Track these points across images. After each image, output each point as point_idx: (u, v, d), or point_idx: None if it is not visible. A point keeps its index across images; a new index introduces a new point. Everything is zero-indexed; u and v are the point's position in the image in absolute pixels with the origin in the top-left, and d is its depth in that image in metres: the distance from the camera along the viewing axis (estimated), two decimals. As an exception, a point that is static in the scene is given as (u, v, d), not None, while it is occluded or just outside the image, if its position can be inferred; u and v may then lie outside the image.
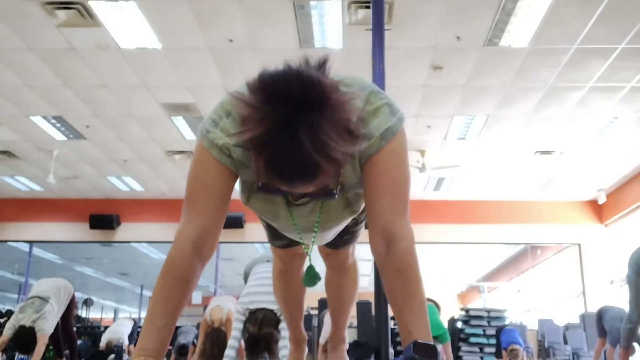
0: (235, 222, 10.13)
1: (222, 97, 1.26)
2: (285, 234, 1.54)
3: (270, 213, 1.38)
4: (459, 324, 8.86)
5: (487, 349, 8.40)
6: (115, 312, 22.19)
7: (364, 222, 1.73)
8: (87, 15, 5.29)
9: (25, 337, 4.89)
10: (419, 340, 1.05)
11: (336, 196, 1.21)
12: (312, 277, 1.43)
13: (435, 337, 6.33)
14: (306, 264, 1.50)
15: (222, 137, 1.18)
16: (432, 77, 6.38)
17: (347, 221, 1.47)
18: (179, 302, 1.13)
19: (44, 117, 7.58)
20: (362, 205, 1.39)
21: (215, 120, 1.21)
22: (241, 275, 4.92)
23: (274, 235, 1.73)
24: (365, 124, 1.17)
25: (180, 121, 7.64)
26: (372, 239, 1.19)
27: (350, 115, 1.01)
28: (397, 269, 1.14)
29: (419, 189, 10.10)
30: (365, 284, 10.37)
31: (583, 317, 9.58)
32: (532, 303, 13.95)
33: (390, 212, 1.17)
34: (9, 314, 8.81)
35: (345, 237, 1.76)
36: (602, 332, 6.67)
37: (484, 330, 8.56)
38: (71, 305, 5.49)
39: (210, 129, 1.20)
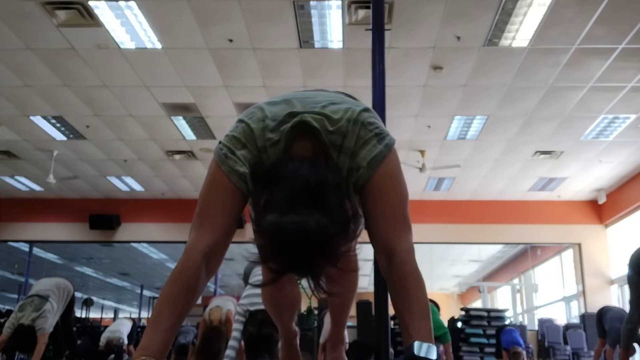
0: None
1: (233, 126, 1.33)
2: None
3: None
4: (459, 324, 8.86)
5: (487, 349, 8.40)
6: (115, 312, 22.21)
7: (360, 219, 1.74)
8: (87, 15, 5.29)
9: (24, 336, 4.88)
10: (419, 341, 1.06)
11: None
12: (310, 318, 1.51)
13: (437, 338, 6.34)
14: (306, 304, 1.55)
15: (241, 165, 1.26)
16: (432, 77, 6.38)
17: None
18: (184, 308, 1.18)
19: (44, 117, 7.58)
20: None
21: (231, 149, 1.28)
22: (241, 275, 4.92)
23: None
24: (355, 156, 1.26)
25: (180, 121, 7.65)
26: (377, 256, 1.28)
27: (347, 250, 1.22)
28: (397, 279, 1.21)
29: (419, 189, 10.10)
30: (365, 284, 10.35)
31: (583, 317, 9.59)
32: (532, 303, 13.95)
33: (388, 231, 1.24)
34: (8, 313, 8.81)
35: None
36: (602, 333, 6.67)
37: (484, 330, 8.56)
38: (71, 305, 5.49)
39: (229, 155, 1.27)
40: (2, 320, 8.15)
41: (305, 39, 5.70)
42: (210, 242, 1.23)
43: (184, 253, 1.22)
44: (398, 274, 1.21)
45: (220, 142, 1.31)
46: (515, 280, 14.98)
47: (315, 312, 8.54)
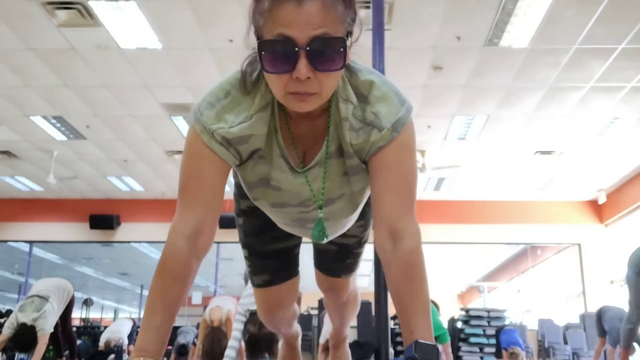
0: (235, 222, 10.12)
1: (221, 79, 1.22)
2: (285, 215, 1.39)
3: (275, 180, 1.28)
4: (459, 324, 8.86)
5: (487, 349, 8.40)
6: (115, 312, 22.21)
7: (365, 244, 1.70)
8: (87, 15, 5.29)
9: (25, 336, 4.89)
10: (420, 341, 1.05)
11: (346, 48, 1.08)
12: (321, 232, 1.33)
13: (435, 337, 6.33)
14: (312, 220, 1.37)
15: (216, 122, 1.15)
16: (432, 77, 6.38)
17: (351, 210, 1.37)
18: (175, 299, 1.10)
19: (44, 117, 7.58)
20: (364, 190, 1.31)
21: (211, 102, 1.17)
22: (241, 275, 4.93)
23: (257, 264, 1.66)
24: (375, 110, 1.16)
25: (180, 121, 7.64)
26: (378, 234, 1.16)
27: None
28: (403, 267, 1.11)
29: (419, 189, 10.07)
30: (365, 284, 10.33)
31: (583, 317, 9.58)
32: (532, 303, 13.95)
33: (398, 207, 1.14)
34: (8, 314, 8.81)
35: (348, 261, 1.71)
36: (602, 332, 6.68)
37: (484, 330, 8.56)
38: (70, 305, 5.49)
39: (204, 112, 1.16)
40: (2, 321, 8.16)
41: (305, 39, 5.69)
42: (191, 221, 1.13)
43: (166, 241, 1.13)
44: (406, 261, 1.11)
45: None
46: (515, 280, 14.97)
47: (315, 311, 8.53)
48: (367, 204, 1.55)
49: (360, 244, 1.68)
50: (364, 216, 1.60)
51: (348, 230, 1.58)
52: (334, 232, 1.51)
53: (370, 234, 1.45)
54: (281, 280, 1.67)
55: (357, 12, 1.11)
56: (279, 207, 1.34)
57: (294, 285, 1.72)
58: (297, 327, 2.22)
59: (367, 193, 1.34)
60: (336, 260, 1.71)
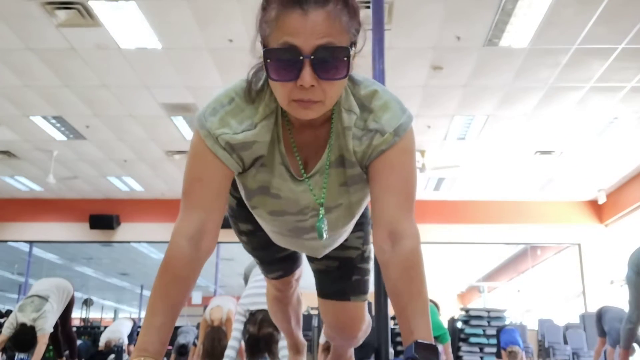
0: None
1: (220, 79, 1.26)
2: (282, 225, 1.40)
3: (275, 188, 1.28)
4: (459, 324, 8.85)
5: (487, 349, 8.40)
6: (115, 312, 22.22)
7: (369, 262, 1.68)
8: (87, 15, 5.29)
9: (25, 336, 4.89)
10: (420, 340, 1.05)
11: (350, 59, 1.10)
12: (322, 228, 1.31)
13: (436, 338, 6.32)
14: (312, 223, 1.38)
15: (220, 127, 1.17)
16: (432, 77, 6.38)
17: (348, 220, 1.38)
18: (178, 300, 1.11)
19: (44, 117, 7.58)
20: (361, 201, 1.32)
21: (215, 109, 1.18)
22: (241, 275, 4.93)
23: (268, 268, 1.78)
24: (377, 118, 1.19)
25: (180, 121, 7.65)
26: (377, 235, 1.17)
27: None
28: (402, 268, 1.13)
29: (419, 189, 10.07)
30: (365, 284, 10.20)
31: (583, 317, 9.58)
32: (532, 303, 13.95)
33: (398, 209, 1.16)
34: (8, 313, 8.81)
35: (355, 278, 1.66)
36: (602, 332, 6.68)
37: (484, 330, 8.55)
38: (70, 305, 5.49)
39: (208, 118, 1.17)
40: (2, 321, 8.16)
41: (305, 39, 5.69)
42: (195, 222, 1.15)
43: (170, 242, 1.14)
44: (405, 262, 1.12)
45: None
46: (515, 280, 14.98)
47: (315, 311, 8.53)
48: (364, 215, 1.59)
49: (364, 258, 1.66)
50: (361, 227, 1.62)
51: (347, 241, 1.59)
52: (332, 243, 1.52)
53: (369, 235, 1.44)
54: (291, 272, 1.82)
55: (361, 23, 1.14)
56: (277, 215, 1.35)
57: (301, 269, 1.89)
58: (302, 337, 2.22)
59: (365, 204, 1.36)
60: (341, 277, 1.66)
